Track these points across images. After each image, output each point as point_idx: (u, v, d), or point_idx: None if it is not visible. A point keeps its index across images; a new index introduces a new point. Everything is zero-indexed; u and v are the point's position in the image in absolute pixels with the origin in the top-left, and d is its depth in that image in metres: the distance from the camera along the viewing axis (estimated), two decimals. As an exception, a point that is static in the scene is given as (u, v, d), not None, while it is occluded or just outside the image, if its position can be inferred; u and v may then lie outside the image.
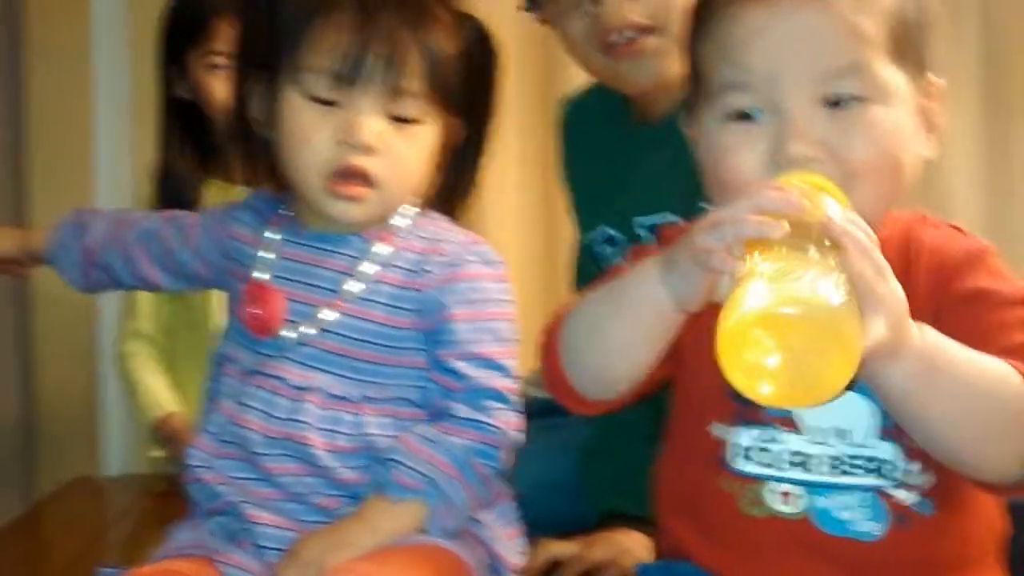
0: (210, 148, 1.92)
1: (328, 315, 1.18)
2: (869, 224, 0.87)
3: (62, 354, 2.26)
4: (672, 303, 0.92)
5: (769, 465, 0.96)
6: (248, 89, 1.22)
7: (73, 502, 1.93)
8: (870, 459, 0.95)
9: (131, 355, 1.98)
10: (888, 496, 0.95)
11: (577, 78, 1.67)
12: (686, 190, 1.13)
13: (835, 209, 0.87)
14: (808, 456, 0.96)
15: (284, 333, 1.19)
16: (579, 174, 1.68)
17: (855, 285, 0.82)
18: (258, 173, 1.26)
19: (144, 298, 1.96)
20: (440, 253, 1.20)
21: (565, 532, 1.43)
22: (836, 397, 0.82)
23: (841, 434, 0.95)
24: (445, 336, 1.18)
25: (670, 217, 1.42)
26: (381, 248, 1.20)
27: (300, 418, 1.16)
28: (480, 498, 1.18)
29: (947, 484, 0.94)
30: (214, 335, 1.39)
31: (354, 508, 1.15)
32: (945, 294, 0.95)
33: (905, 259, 0.96)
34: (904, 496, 0.95)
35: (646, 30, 1.42)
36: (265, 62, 1.19)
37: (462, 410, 1.16)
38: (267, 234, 1.24)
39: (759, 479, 0.97)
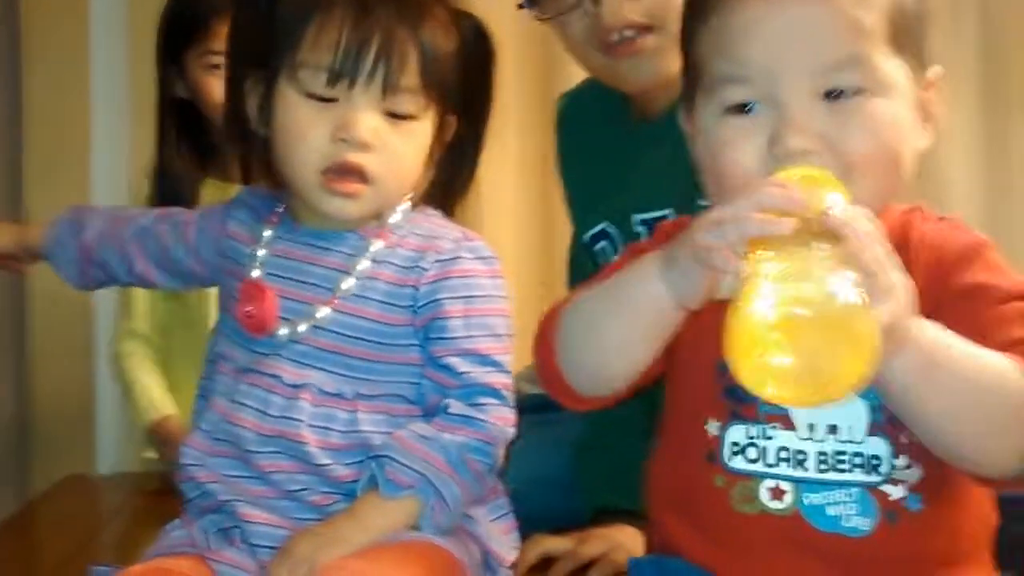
0: (208, 147, 1.92)
1: (323, 312, 1.18)
2: None
3: (57, 352, 2.26)
4: (672, 300, 0.91)
5: (761, 462, 0.96)
6: (243, 87, 1.22)
7: (66, 500, 1.92)
8: (860, 455, 0.94)
9: (127, 355, 1.97)
10: (878, 492, 0.94)
11: (576, 76, 1.67)
12: (685, 187, 1.13)
13: (837, 201, 0.86)
14: (799, 452, 0.95)
15: (278, 331, 1.19)
16: (577, 170, 1.68)
17: (862, 277, 0.81)
18: (254, 171, 1.26)
19: (140, 297, 1.96)
20: (435, 249, 1.20)
21: (558, 528, 1.43)
22: (851, 395, 0.82)
23: (832, 430, 0.95)
24: (439, 332, 1.18)
25: (669, 214, 1.42)
26: (377, 245, 1.20)
27: (294, 415, 1.16)
28: (474, 494, 1.17)
29: (937, 479, 0.94)
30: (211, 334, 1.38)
31: (347, 505, 1.14)
32: (944, 289, 0.94)
33: (903, 253, 0.94)
34: (894, 492, 0.94)
35: (645, 29, 1.42)
36: (261, 59, 1.19)
37: (456, 406, 1.16)
38: (263, 232, 1.24)
39: (751, 476, 0.96)
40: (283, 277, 1.21)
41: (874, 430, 0.94)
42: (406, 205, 1.23)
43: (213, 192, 1.87)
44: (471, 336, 1.17)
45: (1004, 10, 2.32)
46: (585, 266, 1.52)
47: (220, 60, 1.84)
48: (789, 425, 0.96)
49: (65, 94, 2.28)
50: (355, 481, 1.15)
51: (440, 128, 1.22)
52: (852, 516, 0.94)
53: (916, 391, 0.87)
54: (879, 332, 0.81)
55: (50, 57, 2.27)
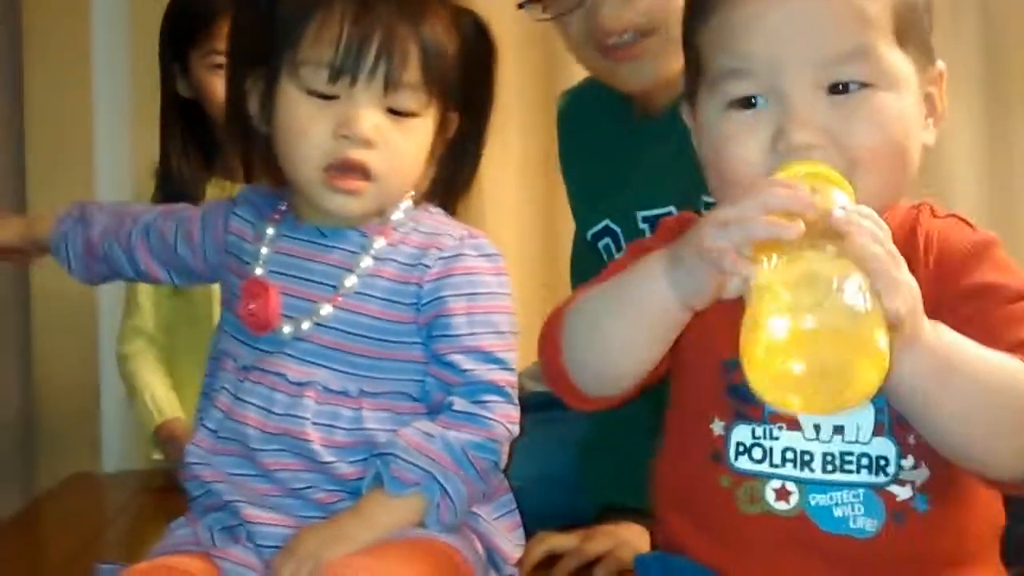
0: (212, 146, 1.92)
1: (326, 310, 1.18)
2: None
3: (62, 350, 2.26)
4: (677, 300, 0.90)
5: (766, 462, 0.95)
6: (244, 85, 1.22)
7: (71, 498, 1.92)
8: (866, 456, 0.94)
9: (132, 356, 1.97)
10: (885, 493, 0.93)
11: (578, 74, 1.66)
12: (688, 183, 1.13)
13: (842, 200, 0.86)
14: (805, 453, 0.94)
15: (281, 329, 1.19)
16: (579, 168, 1.68)
17: (868, 279, 0.81)
18: (256, 169, 1.26)
19: (144, 295, 1.96)
20: (438, 246, 1.20)
21: (563, 525, 1.42)
22: (865, 402, 0.81)
23: (838, 431, 0.94)
24: (442, 329, 1.18)
25: (672, 210, 1.41)
26: (380, 242, 1.20)
27: (298, 413, 1.16)
28: (478, 492, 1.17)
29: (944, 479, 0.93)
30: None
31: (352, 503, 1.14)
32: (949, 287, 0.93)
33: (909, 250, 0.93)
34: (901, 492, 0.93)
35: (645, 32, 1.41)
36: (262, 57, 1.19)
37: (460, 404, 1.16)
38: (266, 229, 1.24)
39: (756, 476, 0.95)
40: (286, 275, 1.21)
41: (880, 431, 0.94)
42: (408, 202, 1.23)
43: (217, 191, 1.87)
44: (475, 333, 1.17)
45: (1004, 9, 2.32)
46: (588, 263, 1.52)
47: (224, 59, 1.84)
48: (795, 425, 0.95)
49: (67, 93, 2.27)
50: (360, 479, 1.15)
51: (442, 125, 1.22)
52: (858, 517, 0.93)
53: (926, 394, 0.87)
54: (888, 337, 0.80)
55: (52, 56, 2.27)
